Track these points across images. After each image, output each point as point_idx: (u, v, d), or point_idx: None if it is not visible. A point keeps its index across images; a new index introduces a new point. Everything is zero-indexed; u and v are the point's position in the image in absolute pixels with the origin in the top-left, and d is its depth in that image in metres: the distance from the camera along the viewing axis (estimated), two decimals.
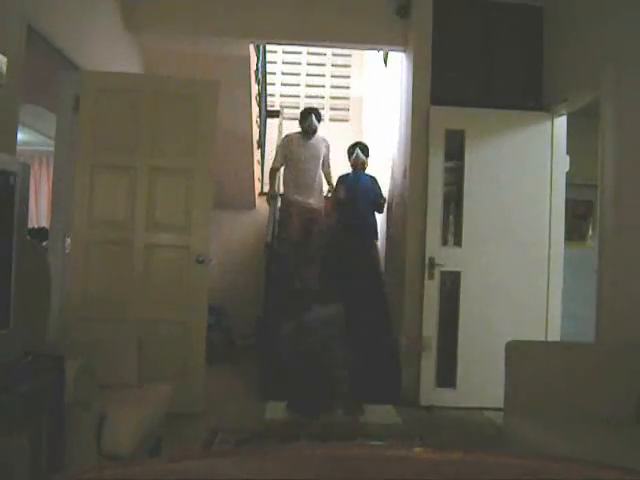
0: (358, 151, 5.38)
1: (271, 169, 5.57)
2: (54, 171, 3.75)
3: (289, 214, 5.26)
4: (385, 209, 5.65)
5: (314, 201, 5.26)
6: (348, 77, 8.38)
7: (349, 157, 5.45)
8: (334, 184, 5.52)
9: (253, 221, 6.86)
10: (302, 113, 5.35)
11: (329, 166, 5.46)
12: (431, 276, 4.13)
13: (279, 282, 4.94)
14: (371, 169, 5.76)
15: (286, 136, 5.57)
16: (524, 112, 4.20)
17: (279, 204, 5.72)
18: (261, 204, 6.81)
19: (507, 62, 4.34)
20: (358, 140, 5.78)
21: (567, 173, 4.24)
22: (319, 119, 5.34)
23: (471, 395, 4.06)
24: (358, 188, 5.26)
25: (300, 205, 5.19)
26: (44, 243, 3.88)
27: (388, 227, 5.46)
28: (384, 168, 5.79)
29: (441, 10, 4.33)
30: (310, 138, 5.31)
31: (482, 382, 3.95)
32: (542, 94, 4.28)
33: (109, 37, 4.06)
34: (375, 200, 5.27)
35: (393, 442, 3.23)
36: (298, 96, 8.28)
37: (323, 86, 8.36)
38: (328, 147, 5.44)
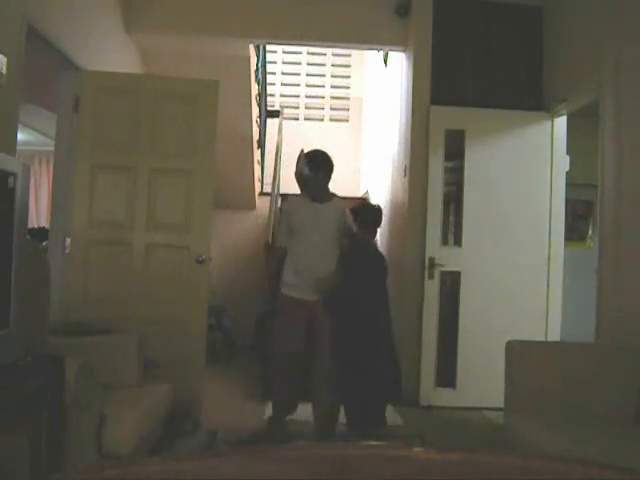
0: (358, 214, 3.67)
1: (271, 247, 3.72)
2: (54, 171, 3.74)
3: (284, 318, 3.44)
4: (385, 209, 5.65)
5: (320, 294, 3.37)
6: (348, 77, 8.39)
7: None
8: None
9: (253, 221, 6.87)
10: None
11: (350, 230, 3.52)
12: (431, 276, 4.13)
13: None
14: (371, 170, 5.70)
15: (287, 198, 3.81)
16: (524, 112, 4.21)
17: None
18: (261, 204, 6.82)
19: (507, 62, 4.35)
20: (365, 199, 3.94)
21: (567, 173, 4.24)
22: (317, 163, 3.42)
23: (471, 395, 4.06)
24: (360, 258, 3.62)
25: (298, 304, 3.36)
26: (44, 243, 3.88)
27: (388, 227, 5.46)
28: (384, 168, 5.78)
29: (441, 10, 4.33)
30: (321, 200, 3.43)
31: (482, 382, 3.95)
32: (542, 94, 4.29)
33: (109, 37, 4.06)
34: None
35: (393, 442, 3.23)
36: (298, 96, 8.29)
37: (323, 86, 8.37)
38: (346, 215, 3.51)
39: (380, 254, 3.79)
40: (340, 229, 3.43)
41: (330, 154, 3.49)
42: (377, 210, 3.86)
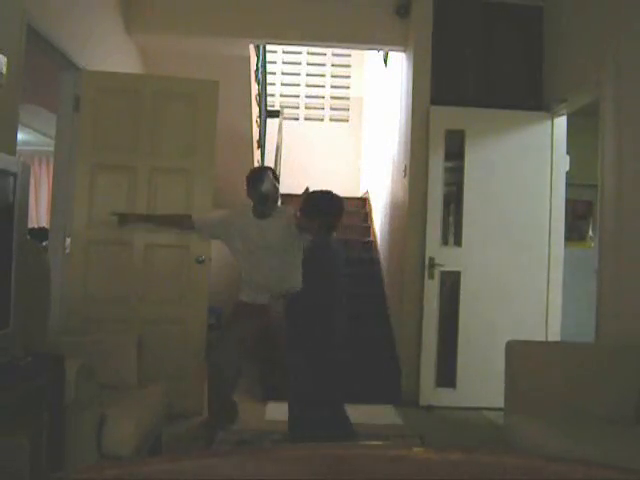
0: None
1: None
2: (54, 171, 3.74)
3: (234, 319, 3.36)
4: (384, 209, 5.65)
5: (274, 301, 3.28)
6: (348, 77, 8.39)
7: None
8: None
9: None
10: (250, 177, 3.37)
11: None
12: (431, 276, 4.13)
13: None
14: (371, 170, 5.64)
15: (231, 212, 3.59)
16: (524, 112, 4.20)
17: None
18: None
19: (507, 62, 4.34)
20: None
21: (567, 173, 4.24)
22: (277, 179, 3.40)
23: (471, 395, 4.06)
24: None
25: (252, 307, 3.29)
26: (44, 243, 3.88)
27: (388, 227, 5.46)
28: (384, 168, 5.79)
29: (441, 10, 4.33)
30: (265, 215, 3.35)
31: (482, 382, 3.95)
32: (542, 94, 4.28)
33: (109, 37, 4.06)
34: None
35: (393, 442, 3.23)
36: (298, 96, 8.29)
37: (323, 86, 8.37)
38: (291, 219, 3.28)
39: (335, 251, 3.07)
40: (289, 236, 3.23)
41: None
42: (323, 197, 2.98)
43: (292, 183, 7.22)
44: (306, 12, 4.48)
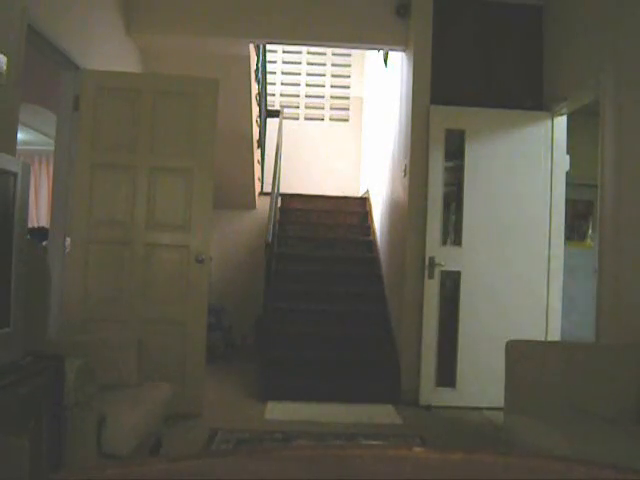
0: None
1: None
2: (54, 171, 3.74)
3: None
4: (384, 208, 5.65)
5: None
6: (348, 77, 8.39)
7: None
8: None
9: (253, 221, 6.87)
10: None
11: None
12: (431, 276, 4.13)
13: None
14: (371, 170, 5.59)
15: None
16: (524, 112, 4.21)
17: None
18: (261, 204, 6.82)
19: (507, 62, 4.35)
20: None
21: (567, 173, 4.24)
22: None
23: (471, 395, 4.06)
24: None
25: None
26: (44, 243, 3.88)
27: (388, 227, 5.46)
28: (385, 168, 5.79)
29: (441, 10, 4.33)
30: None
31: (482, 382, 3.95)
32: (542, 94, 4.29)
33: (109, 37, 4.06)
34: None
35: (393, 442, 3.23)
36: (298, 96, 8.29)
37: (323, 86, 8.37)
38: None
39: None
40: None
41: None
42: None
43: (292, 183, 7.24)
44: (306, 12, 4.48)
